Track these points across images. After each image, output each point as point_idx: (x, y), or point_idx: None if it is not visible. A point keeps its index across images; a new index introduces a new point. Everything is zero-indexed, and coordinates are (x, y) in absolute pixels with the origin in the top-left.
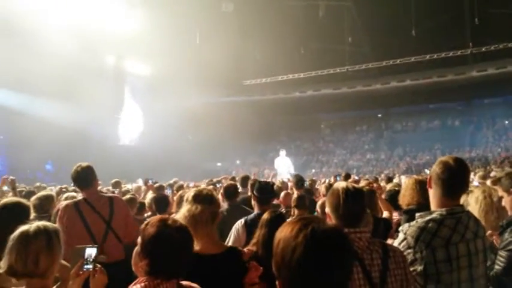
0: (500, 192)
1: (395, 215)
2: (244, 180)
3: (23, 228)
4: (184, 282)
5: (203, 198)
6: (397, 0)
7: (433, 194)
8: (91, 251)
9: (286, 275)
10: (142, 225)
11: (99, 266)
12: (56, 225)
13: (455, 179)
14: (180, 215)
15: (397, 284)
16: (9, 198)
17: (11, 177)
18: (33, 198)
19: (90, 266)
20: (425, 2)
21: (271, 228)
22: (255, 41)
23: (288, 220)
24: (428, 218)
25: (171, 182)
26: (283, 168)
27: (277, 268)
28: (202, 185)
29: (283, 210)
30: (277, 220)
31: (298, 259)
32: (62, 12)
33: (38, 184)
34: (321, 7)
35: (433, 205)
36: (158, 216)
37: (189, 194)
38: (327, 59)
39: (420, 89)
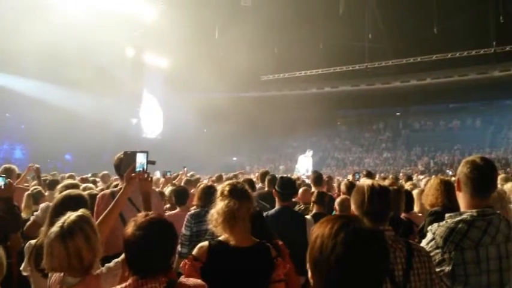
0: None
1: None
2: (263, 176)
3: (56, 228)
4: (181, 280)
5: (240, 193)
6: None
7: (462, 195)
8: (142, 157)
9: (323, 271)
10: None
11: (147, 171)
12: (86, 212)
13: (484, 177)
14: (217, 209)
15: (420, 284)
16: (72, 190)
17: (36, 165)
18: (59, 186)
19: (140, 169)
20: None
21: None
22: (274, 36)
23: (327, 217)
24: (458, 218)
25: (189, 176)
26: (303, 167)
27: (313, 263)
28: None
29: (301, 206)
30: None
31: (337, 257)
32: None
33: (55, 173)
34: (341, 3)
35: (462, 206)
36: (136, 216)
37: (224, 188)
38: (346, 56)
39: (441, 87)
